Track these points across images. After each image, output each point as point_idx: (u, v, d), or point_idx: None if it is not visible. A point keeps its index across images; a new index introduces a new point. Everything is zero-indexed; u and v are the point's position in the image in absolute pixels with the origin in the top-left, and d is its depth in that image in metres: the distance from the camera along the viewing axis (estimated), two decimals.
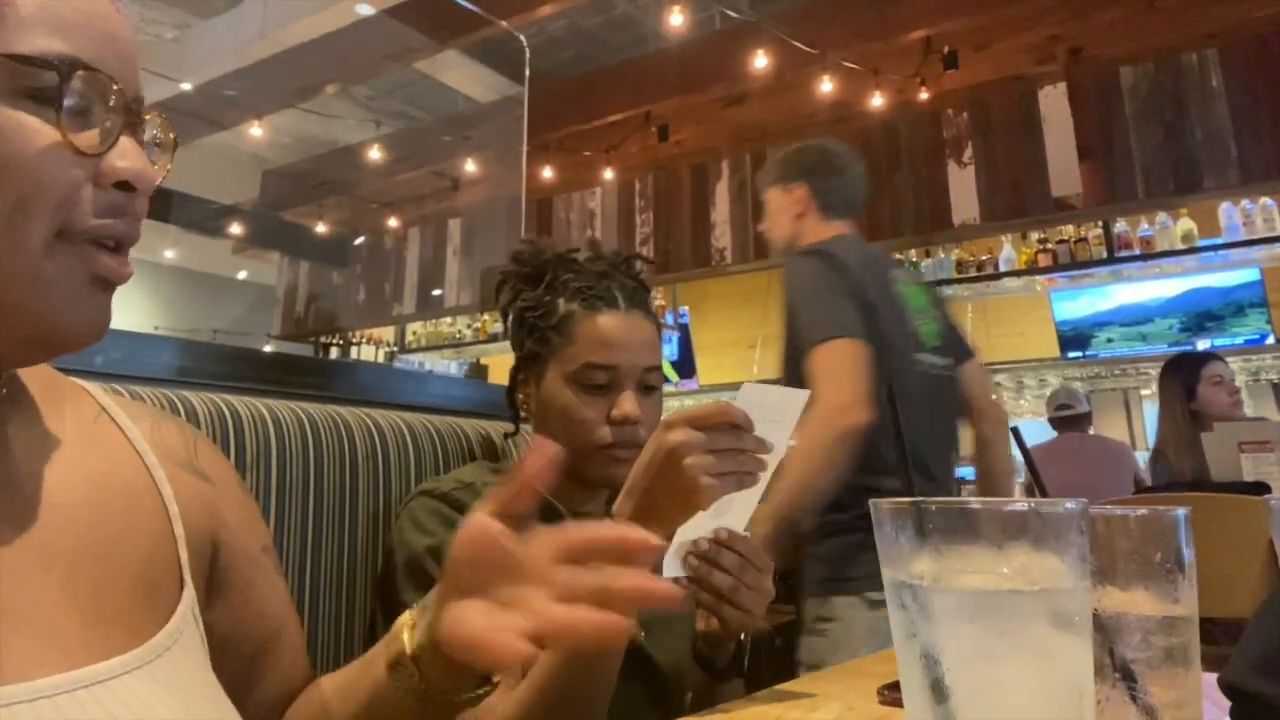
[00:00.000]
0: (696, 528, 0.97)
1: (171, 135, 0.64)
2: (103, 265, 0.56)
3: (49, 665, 0.52)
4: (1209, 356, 3.36)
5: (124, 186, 0.56)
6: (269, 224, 6.90)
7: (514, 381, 1.29)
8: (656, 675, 1.15)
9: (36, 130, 0.53)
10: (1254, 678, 0.57)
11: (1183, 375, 3.30)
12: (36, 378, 0.66)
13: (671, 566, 1.02)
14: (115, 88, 0.56)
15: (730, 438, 0.89)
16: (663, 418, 0.95)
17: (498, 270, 1.31)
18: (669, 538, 0.98)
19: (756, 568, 1.06)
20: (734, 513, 1.04)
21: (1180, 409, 3.25)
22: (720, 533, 1.05)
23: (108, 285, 0.57)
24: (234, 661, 0.69)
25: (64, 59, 0.54)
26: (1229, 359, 3.65)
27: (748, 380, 1.02)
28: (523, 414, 1.30)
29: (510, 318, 1.28)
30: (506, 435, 1.40)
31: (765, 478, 0.96)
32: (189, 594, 0.65)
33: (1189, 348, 6.28)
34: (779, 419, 0.98)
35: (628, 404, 1.17)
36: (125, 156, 0.56)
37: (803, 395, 1.05)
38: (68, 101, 0.54)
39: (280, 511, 1.10)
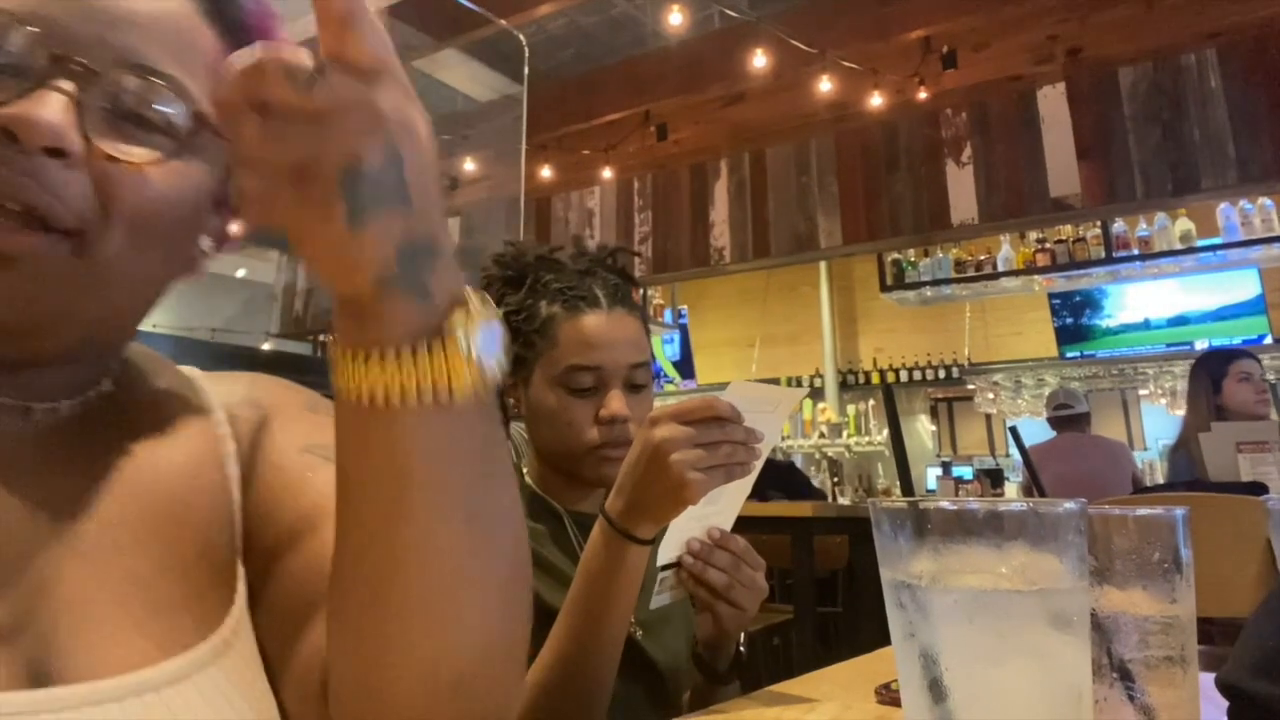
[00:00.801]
0: (688, 516, 0.98)
1: (177, 108, 0.55)
2: None
3: (114, 664, 0.51)
4: (1239, 353, 3.37)
5: (6, 137, 0.49)
6: None
7: (502, 385, 1.28)
8: (655, 674, 1.16)
9: None
10: (1252, 678, 0.57)
11: (1210, 369, 3.31)
12: (139, 363, 0.65)
13: (666, 557, 1.02)
14: (34, 33, 0.51)
15: (717, 431, 0.90)
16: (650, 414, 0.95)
17: (481, 274, 1.30)
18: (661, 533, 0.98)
19: (750, 565, 1.06)
20: (725, 502, 1.04)
21: (1205, 403, 3.26)
22: (713, 531, 1.05)
23: None
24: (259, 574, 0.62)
25: None
26: None
27: (745, 379, 1.02)
28: (512, 417, 1.30)
29: None
30: None
31: (756, 468, 0.96)
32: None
33: (1186, 348, 6.30)
34: (771, 411, 0.99)
35: (615, 403, 1.17)
36: (19, 104, 0.49)
37: (795, 393, 1.06)
38: None
39: None
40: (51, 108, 0.50)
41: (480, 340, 0.48)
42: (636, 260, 5.64)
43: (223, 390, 0.68)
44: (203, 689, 0.53)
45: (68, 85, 0.51)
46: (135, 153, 0.53)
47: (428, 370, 0.45)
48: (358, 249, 0.43)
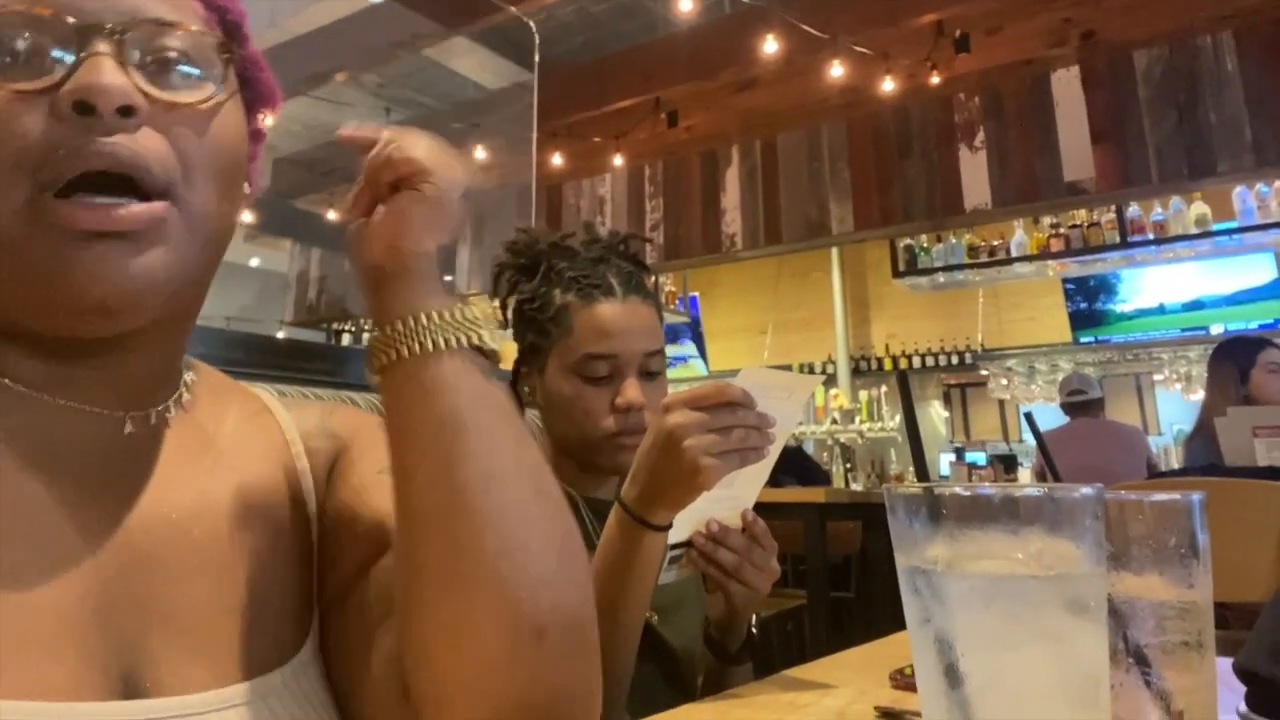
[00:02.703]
0: (704, 498, 0.98)
1: (199, 49, 0.56)
2: (81, 219, 0.50)
3: (202, 679, 0.52)
4: (1266, 342, 3.28)
5: (80, 109, 0.50)
6: (280, 211, 6.90)
7: (517, 373, 1.29)
8: (670, 657, 1.16)
9: None
10: (1270, 663, 0.57)
11: (1238, 358, 3.24)
12: (208, 381, 0.65)
13: (676, 536, 1.02)
14: (59, 16, 0.51)
15: (729, 415, 0.90)
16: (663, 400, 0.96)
17: (494, 261, 1.31)
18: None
19: (763, 547, 1.07)
20: (740, 486, 1.04)
21: (1233, 391, 3.19)
22: (747, 514, 1.07)
23: (105, 236, 0.50)
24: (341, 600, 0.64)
25: None
26: None
27: (758, 365, 1.02)
28: (527, 404, 1.30)
29: (509, 310, 1.28)
30: None
31: (773, 452, 0.96)
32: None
33: (1202, 333, 6.26)
34: (784, 397, 0.99)
35: (631, 391, 1.17)
36: (77, 77, 0.50)
37: (809, 379, 1.06)
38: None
39: None
40: (108, 71, 0.50)
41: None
42: (648, 247, 5.64)
43: (297, 417, 0.69)
44: (281, 709, 0.55)
45: (104, 48, 0.51)
46: (188, 96, 0.55)
47: (455, 315, 0.56)
48: None
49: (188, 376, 0.63)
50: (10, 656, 0.46)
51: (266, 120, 0.69)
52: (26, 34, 0.51)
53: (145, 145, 0.51)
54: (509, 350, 1.29)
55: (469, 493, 0.52)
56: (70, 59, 0.51)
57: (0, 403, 0.53)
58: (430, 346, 0.54)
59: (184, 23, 0.55)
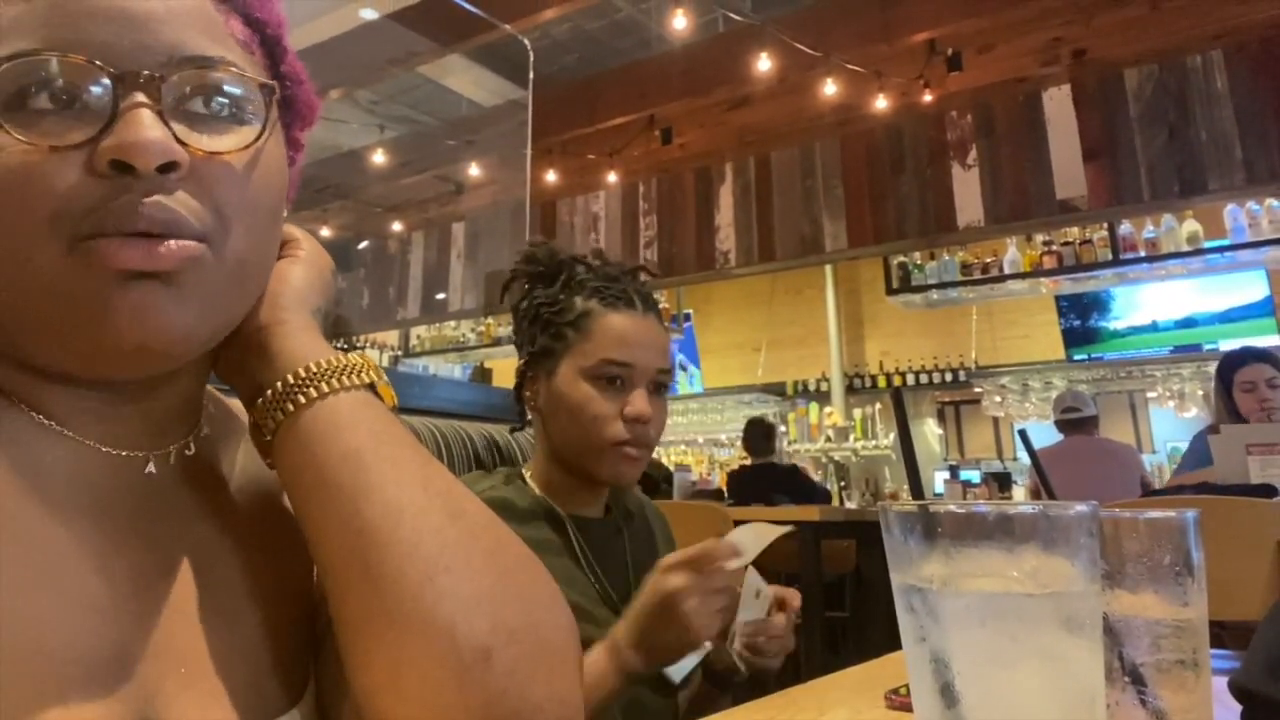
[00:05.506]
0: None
1: (242, 87, 0.54)
2: (122, 258, 0.48)
3: None
4: (1245, 360, 3.23)
5: (118, 167, 0.48)
6: None
7: (522, 378, 1.30)
8: (659, 678, 1.16)
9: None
10: (1265, 681, 0.57)
11: (1223, 375, 3.26)
12: (221, 409, 0.65)
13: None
14: (94, 63, 0.48)
15: (724, 576, 1.01)
16: (661, 559, 1.04)
17: (505, 271, 1.33)
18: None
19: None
20: (750, 548, 1.09)
21: (1224, 407, 3.23)
22: (793, 601, 1.19)
23: (142, 275, 0.49)
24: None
25: (11, 58, 0.48)
26: None
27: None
28: (529, 405, 1.30)
29: (520, 315, 1.29)
30: (512, 429, 1.41)
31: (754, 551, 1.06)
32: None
33: (1194, 350, 6.28)
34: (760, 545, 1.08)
35: (640, 403, 1.19)
36: (116, 133, 0.48)
37: (774, 530, 1.13)
38: (33, 100, 0.48)
39: None
40: (147, 126, 0.48)
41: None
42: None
43: None
44: None
45: (142, 98, 0.49)
46: (228, 141, 0.53)
47: (344, 359, 0.57)
48: None
49: (208, 407, 0.63)
50: (33, 702, 0.45)
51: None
52: (60, 83, 0.49)
53: (183, 202, 0.50)
54: (506, 366, 1.29)
55: (381, 529, 0.51)
56: (107, 110, 0.48)
57: (34, 437, 0.52)
58: (325, 390, 0.54)
59: (226, 59, 0.53)
